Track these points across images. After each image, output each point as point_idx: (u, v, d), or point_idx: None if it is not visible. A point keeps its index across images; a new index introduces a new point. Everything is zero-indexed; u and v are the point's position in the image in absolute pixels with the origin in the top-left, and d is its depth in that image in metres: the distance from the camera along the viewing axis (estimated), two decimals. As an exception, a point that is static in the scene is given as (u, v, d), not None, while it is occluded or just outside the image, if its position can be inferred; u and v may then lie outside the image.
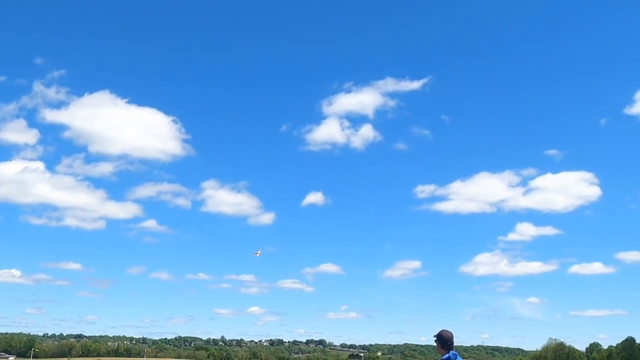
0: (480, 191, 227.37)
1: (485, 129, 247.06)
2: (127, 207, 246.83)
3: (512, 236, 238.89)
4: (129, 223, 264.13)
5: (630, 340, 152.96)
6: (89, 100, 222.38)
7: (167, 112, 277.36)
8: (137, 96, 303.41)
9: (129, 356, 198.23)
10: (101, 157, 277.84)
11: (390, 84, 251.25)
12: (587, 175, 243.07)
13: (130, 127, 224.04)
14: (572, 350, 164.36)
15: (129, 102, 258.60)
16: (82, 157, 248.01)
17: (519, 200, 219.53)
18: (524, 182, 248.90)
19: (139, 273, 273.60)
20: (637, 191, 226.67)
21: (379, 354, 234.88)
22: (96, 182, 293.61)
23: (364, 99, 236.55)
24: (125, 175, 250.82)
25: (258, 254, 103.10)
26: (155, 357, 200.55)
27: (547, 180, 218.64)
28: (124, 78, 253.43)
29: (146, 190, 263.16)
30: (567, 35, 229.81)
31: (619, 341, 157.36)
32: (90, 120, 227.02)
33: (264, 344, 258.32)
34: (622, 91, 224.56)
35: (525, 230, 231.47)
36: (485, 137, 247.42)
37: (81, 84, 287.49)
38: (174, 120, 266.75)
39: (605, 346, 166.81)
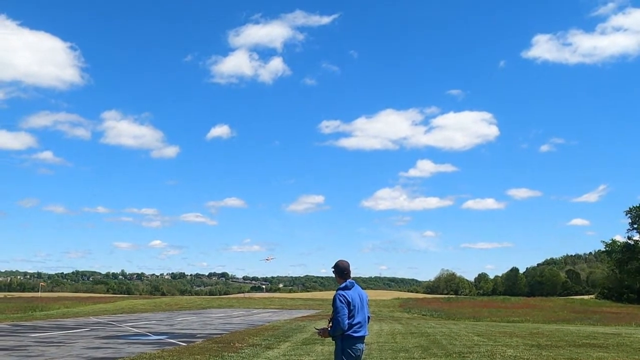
0: (384, 128, 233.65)
1: (392, 67, 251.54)
2: (20, 137, 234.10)
3: (412, 172, 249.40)
4: (22, 154, 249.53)
5: (514, 270, 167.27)
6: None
7: (64, 38, 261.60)
8: (30, 19, 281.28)
9: (22, 291, 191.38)
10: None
11: (300, 18, 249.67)
12: (487, 115, 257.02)
13: (23, 52, 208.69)
14: (461, 280, 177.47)
15: (21, 25, 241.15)
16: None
17: (421, 137, 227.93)
18: (426, 121, 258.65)
19: (32, 206, 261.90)
20: (529, 132, 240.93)
21: (281, 285, 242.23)
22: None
23: (273, 32, 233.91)
24: (18, 103, 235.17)
25: (269, 259, 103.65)
26: (52, 291, 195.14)
27: (449, 119, 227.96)
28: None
29: (41, 120, 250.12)
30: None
31: (505, 271, 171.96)
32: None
33: (166, 277, 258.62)
34: (520, 35, 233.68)
35: (425, 167, 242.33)
36: (392, 75, 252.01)
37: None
38: (71, 47, 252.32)
39: (492, 276, 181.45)
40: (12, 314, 42.23)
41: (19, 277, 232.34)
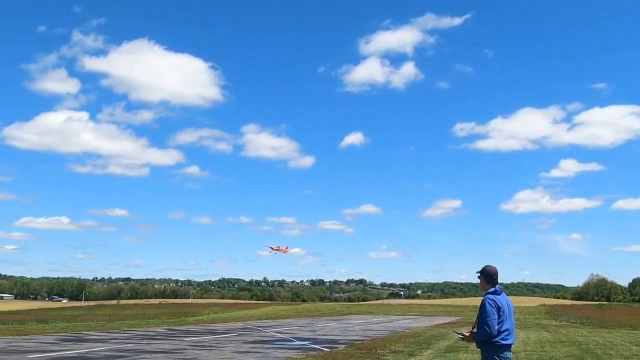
0: (523, 128, 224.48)
1: (530, 64, 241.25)
2: (169, 153, 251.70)
3: (555, 172, 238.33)
4: (172, 169, 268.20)
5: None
6: (127, 48, 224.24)
7: (205, 59, 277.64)
8: (175, 43, 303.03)
9: (175, 298, 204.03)
10: (141, 105, 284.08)
11: (430, 21, 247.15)
12: (637, 109, 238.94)
13: (170, 74, 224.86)
14: (614, 285, 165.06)
15: (167, 50, 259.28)
16: (122, 105, 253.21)
17: (563, 136, 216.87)
18: (568, 118, 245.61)
19: (182, 218, 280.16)
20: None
21: (419, 292, 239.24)
22: (138, 130, 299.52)
23: (403, 37, 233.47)
24: (166, 122, 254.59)
25: (277, 249, 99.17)
26: (201, 298, 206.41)
27: (594, 115, 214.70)
28: (162, 25, 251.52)
29: (187, 137, 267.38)
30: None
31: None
32: (130, 68, 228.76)
33: (305, 284, 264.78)
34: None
35: (569, 167, 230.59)
36: (529, 72, 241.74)
37: (119, 32, 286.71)
38: (212, 67, 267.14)
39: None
40: (167, 319, 45.18)
41: (171, 284, 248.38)
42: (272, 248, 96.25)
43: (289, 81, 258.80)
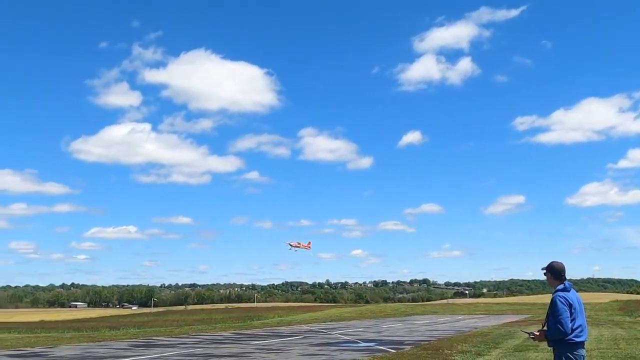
0: (586, 119, 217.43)
1: (592, 53, 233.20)
2: (229, 160, 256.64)
3: (623, 163, 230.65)
4: (232, 175, 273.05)
5: None
6: (185, 59, 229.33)
7: (260, 65, 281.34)
8: (231, 52, 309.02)
9: (240, 302, 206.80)
10: (201, 114, 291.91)
11: (485, 14, 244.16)
12: None
13: (227, 82, 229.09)
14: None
15: (224, 58, 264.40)
16: (182, 115, 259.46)
17: (630, 125, 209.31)
18: (635, 106, 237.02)
19: (244, 223, 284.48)
20: None
21: (485, 290, 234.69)
22: (198, 139, 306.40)
23: (458, 32, 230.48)
24: (225, 130, 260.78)
25: (297, 246, 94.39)
26: (265, 302, 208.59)
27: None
28: (217, 35, 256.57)
29: (246, 143, 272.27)
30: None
31: None
32: (188, 79, 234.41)
33: (368, 285, 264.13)
34: None
35: (638, 157, 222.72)
36: (591, 61, 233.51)
37: (177, 44, 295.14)
38: (268, 73, 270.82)
39: None
40: (233, 323, 45.93)
41: (236, 289, 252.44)
42: (291, 245, 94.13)
43: (344, 83, 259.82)
